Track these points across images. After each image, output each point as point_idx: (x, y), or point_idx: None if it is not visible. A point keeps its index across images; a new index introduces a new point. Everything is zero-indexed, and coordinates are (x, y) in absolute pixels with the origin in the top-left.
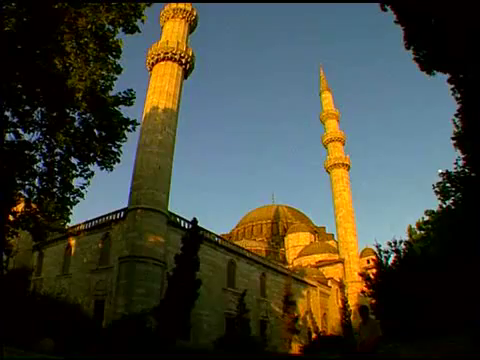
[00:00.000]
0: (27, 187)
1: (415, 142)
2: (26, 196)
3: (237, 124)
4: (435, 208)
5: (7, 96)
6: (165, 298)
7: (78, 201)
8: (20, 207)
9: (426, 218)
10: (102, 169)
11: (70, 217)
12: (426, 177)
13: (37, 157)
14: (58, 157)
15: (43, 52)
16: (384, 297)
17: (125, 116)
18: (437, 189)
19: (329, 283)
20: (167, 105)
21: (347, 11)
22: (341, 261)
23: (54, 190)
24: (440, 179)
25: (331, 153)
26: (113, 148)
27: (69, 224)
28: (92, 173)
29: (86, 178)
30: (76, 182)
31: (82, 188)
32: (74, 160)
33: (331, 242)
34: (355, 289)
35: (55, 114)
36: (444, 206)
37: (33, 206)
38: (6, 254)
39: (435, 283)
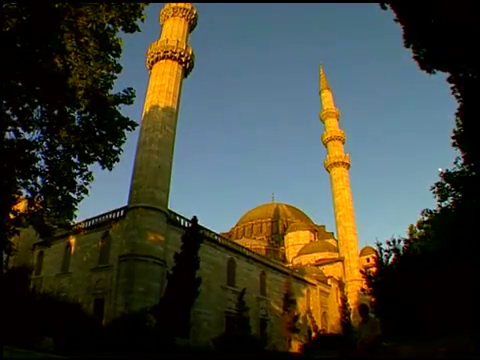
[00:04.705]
0: (29, 186)
1: (415, 141)
2: (28, 194)
3: (237, 123)
4: (434, 207)
5: (7, 95)
6: (165, 297)
7: (82, 198)
8: (21, 205)
9: (424, 218)
10: (103, 168)
11: (75, 213)
12: (426, 176)
13: (38, 156)
14: (58, 156)
15: (43, 51)
16: (384, 296)
17: (125, 115)
18: (435, 190)
19: (329, 282)
20: (167, 103)
21: (347, 11)
22: (341, 260)
23: (57, 188)
24: (440, 178)
25: (331, 152)
26: (114, 147)
27: (75, 220)
28: (90, 173)
29: (84, 179)
30: (78, 180)
31: (86, 184)
32: (74, 160)
33: (331, 241)
34: (355, 288)
35: (55, 113)
36: (443, 205)
37: (36, 204)
38: (6, 253)
39: (435, 282)
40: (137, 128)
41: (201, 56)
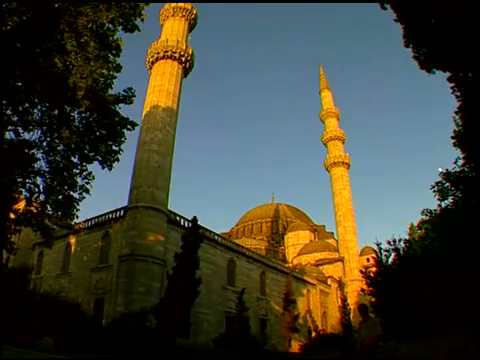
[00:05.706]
0: (28, 185)
1: (415, 141)
2: (27, 194)
3: (237, 122)
4: (434, 207)
5: (7, 95)
6: (165, 296)
7: (84, 197)
8: (22, 205)
9: (424, 217)
10: (103, 168)
11: (77, 213)
12: (426, 176)
13: (38, 156)
14: (59, 156)
15: (43, 51)
16: (384, 295)
17: (125, 115)
18: (435, 188)
19: (329, 282)
20: (167, 103)
21: (347, 11)
22: (341, 259)
23: (58, 188)
24: (440, 178)
25: (331, 151)
26: (114, 147)
27: (76, 220)
28: (90, 173)
29: (84, 179)
30: (78, 179)
31: (87, 183)
32: (74, 160)
33: (331, 240)
34: (355, 287)
35: (55, 113)
36: (443, 205)
37: (35, 204)
38: (8, 252)
39: (435, 282)
40: (137, 128)
41: (201, 56)
